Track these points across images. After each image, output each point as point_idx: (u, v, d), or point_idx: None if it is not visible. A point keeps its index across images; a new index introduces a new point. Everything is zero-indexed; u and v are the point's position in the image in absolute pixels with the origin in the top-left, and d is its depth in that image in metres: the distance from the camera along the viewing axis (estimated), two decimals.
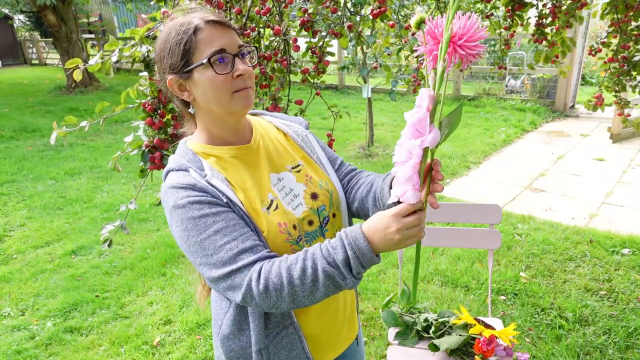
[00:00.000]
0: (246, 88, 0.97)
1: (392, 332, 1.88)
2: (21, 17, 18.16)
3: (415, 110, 0.79)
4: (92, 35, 14.70)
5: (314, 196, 1.08)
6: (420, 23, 0.78)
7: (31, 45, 18.55)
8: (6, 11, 13.79)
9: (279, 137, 1.14)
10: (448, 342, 1.69)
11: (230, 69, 0.94)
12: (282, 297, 0.86)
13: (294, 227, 1.02)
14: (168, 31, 0.96)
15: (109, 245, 1.53)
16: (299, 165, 1.11)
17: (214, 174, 0.97)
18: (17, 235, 3.87)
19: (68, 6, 10.37)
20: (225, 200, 0.94)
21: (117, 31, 16.79)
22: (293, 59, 1.77)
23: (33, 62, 18.34)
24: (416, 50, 0.82)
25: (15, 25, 18.45)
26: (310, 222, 1.06)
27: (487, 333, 1.63)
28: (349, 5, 1.88)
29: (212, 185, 0.94)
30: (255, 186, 1.02)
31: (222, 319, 1.07)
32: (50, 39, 12.53)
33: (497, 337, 1.64)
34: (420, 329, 1.82)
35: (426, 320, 1.85)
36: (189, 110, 1.02)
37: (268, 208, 1.00)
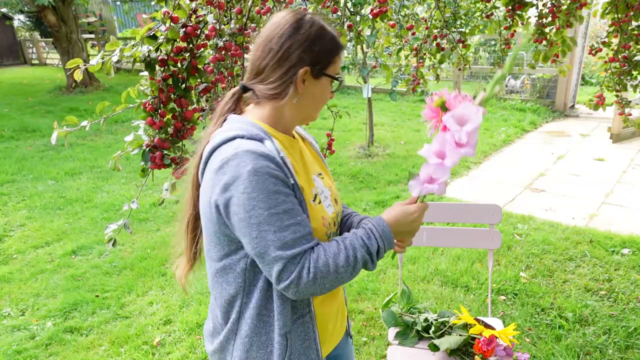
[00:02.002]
0: None
1: (392, 332, 1.88)
2: (21, 17, 18.16)
3: (463, 121, 0.92)
4: (92, 35, 14.70)
5: (336, 201, 1.16)
6: (442, 104, 0.94)
7: (31, 45, 18.53)
8: (4, 10, 13.76)
9: (305, 146, 1.20)
10: (448, 342, 1.69)
11: (331, 91, 1.07)
12: (323, 283, 0.93)
13: (329, 223, 1.09)
14: (323, 27, 1.02)
15: (113, 245, 1.52)
16: (321, 173, 1.17)
17: (283, 154, 0.98)
18: (17, 235, 3.87)
19: (68, 6, 10.36)
20: (292, 182, 0.96)
21: (117, 31, 16.79)
22: None
23: (33, 62, 18.33)
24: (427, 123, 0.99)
25: (15, 25, 18.44)
26: (334, 224, 1.12)
27: (487, 333, 1.63)
28: (349, 5, 1.88)
29: (285, 165, 0.96)
30: (307, 178, 1.07)
31: (239, 322, 1.04)
32: (50, 39, 12.52)
33: (497, 337, 1.64)
34: (420, 329, 1.82)
35: (426, 320, 1.85)
36: (287, 94, 1.01)
37: (313, 201, 1.05)
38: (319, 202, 1.06)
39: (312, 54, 0.99)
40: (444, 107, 0.94)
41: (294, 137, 1.12)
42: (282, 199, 0.91)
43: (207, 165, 0.98)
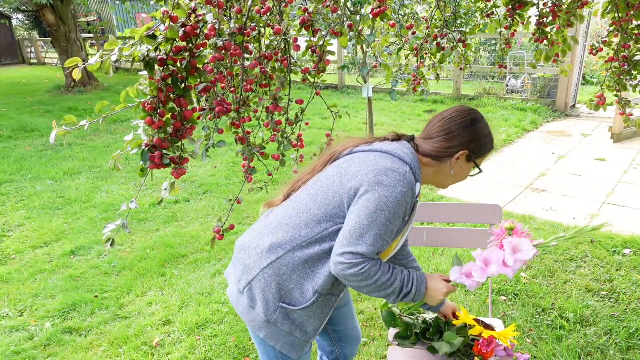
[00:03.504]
0: None
1: (392, 332, 1.86)
2: (19, 16, 18.14)
3: (517, 250, 1.23)
4: (91, 35, 14.67)
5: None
6: (510, 229, 1.26)
7: (29, 45, 18.49)
8: (2, 9, 13.71)
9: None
10: (448, 345, 1.68)
11: (469, 175, 1.42)
12: (360, 282, 1.21)
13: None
14: (491, 131, 1.38)
15: (111, 245, 1.51)
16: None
17: (417, 195, 1.30)
18: (15, 235, 3.85)
19: (67, 5, 10.34)
20: (406, 219, 1.28)
21: (117, 31, 16.77)
22: (293, 58, 1.76)
23: (31, 61, 18.30)
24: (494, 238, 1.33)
25: (13, 24, 18.40)
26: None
27: (487, 334, 1.62)
28: (349, 4, 1.87)
29: (414, 205, 1.30)
30: (410, 222, 1.39)
31: (286, 254, 1.27)
32: (49, 39, 12.50)
33: (496, 338, 1.63)
34: (418, 331, 1.81)
35: (425, 322, 1.83)
36: (442, 160, 1.35)
37: (395, 239, 1.33)
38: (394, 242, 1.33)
39: (475, 145, 1.33)
40: (509, 232, 1.23)
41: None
42: (397, 222, 1.22)
43: (366, 154, 1.29)
